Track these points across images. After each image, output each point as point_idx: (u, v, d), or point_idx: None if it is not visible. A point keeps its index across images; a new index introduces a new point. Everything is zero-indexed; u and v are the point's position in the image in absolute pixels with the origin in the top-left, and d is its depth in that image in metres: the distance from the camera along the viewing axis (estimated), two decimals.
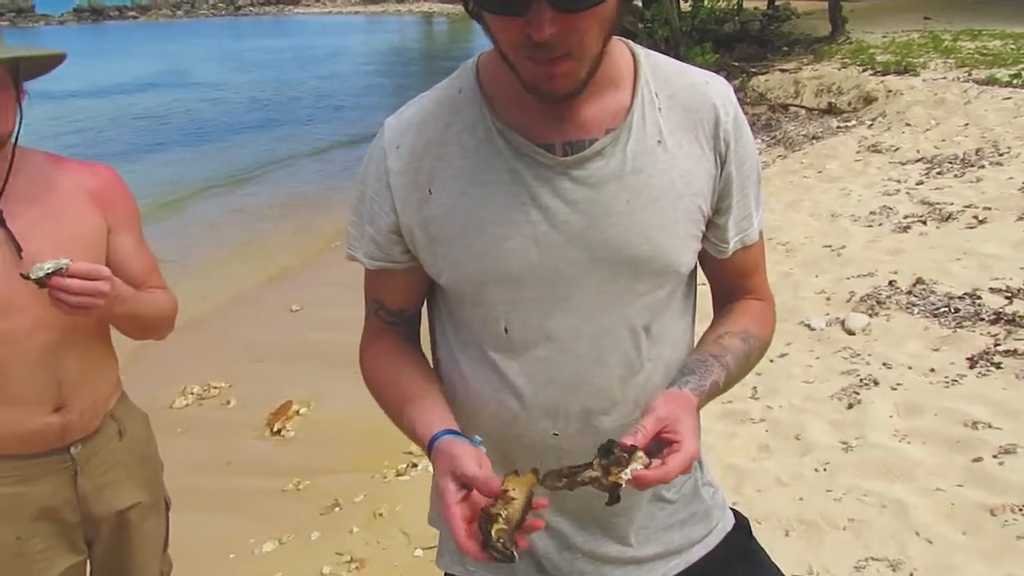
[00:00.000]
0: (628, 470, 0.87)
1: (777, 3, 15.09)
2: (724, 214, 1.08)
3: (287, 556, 2.81)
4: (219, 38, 42.30)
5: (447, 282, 1.06)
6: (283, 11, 61.09)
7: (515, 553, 0.86)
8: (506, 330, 1.04)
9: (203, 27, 53.00)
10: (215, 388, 4.15)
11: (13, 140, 1.40)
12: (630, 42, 1.06)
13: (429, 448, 0.99)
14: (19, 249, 1.38)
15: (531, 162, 0.99)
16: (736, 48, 12.62)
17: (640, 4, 11.54)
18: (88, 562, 1.61)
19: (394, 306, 1.15)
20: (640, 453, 0.89)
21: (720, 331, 1.11)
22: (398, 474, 3.26)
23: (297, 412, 3.88)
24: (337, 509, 3.07)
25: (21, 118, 1.41)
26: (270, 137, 12.85)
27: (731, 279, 1.16)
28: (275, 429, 3.73)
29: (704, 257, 1.12)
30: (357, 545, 2.81)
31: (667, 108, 1.02)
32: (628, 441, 0.89)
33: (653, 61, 1.05)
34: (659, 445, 0.92)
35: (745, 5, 14.63)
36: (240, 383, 4.20)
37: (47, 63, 1.45)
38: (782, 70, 11.04)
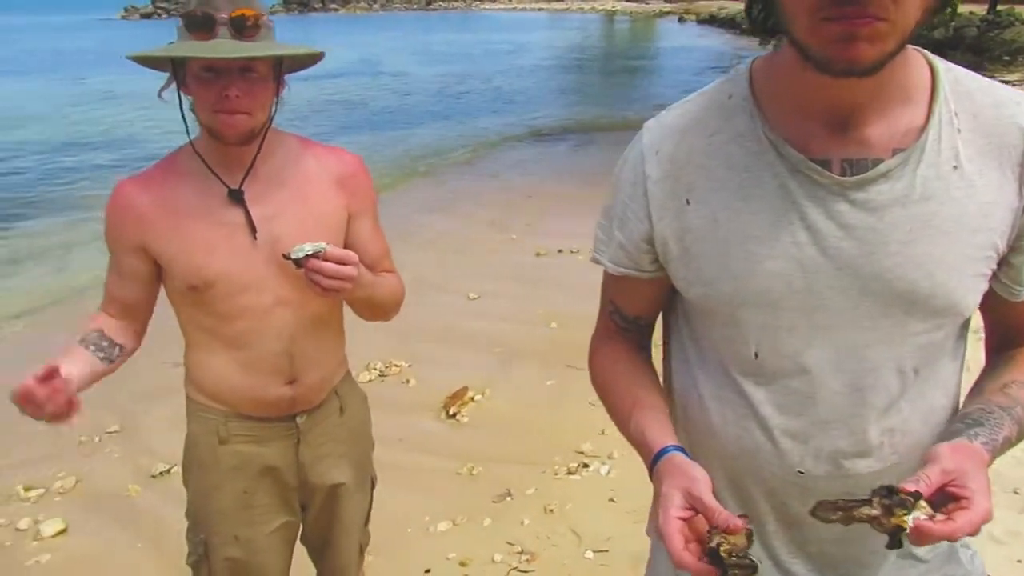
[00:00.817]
0: (912, 515, 0.80)
1: (998, 8, 13.77)
2: (1022, 253, 0.96)
3: (460, 538, 2.88)
4: (410, 30, 44.27)
5: (696, 297, 1.01)
6: (471, 6, 63.08)
7: (755, 560, 0.82)
8: (756, 355, 0.97)
9: (396, 20, 55.72)
10: (396, 367, 4.33)
11: (265, 128, 1.47)
12: (928, 52, 0.96)
13: (657, 457, 0.95)
14: (254, 231, 1.46)
15: (804, 179, 0.91)
16: (948, 56, 11.58)
17: None
18: (301, 525, 1.72)
19: (631, 313, 1.12)
20: (923, 502, 0.81)
21: (1005, 379, 1.00)
22: (569, 472, 3.25)
23: (472, 398, 3.97)
24: (508, 499, 3.11)
25: (277, 108, 1.49)
26: (450, 128, 13.25)
27: (1018, 323, 1.04)
28: (451, 413, 3.84)
29: (987, 296, 0.99)
30: (528, 538, 2.84)
31: (968, 130, 0.92)
32: (910, 487, 0.81)
33: (954, 75, 0.95)
34: (941, 499, 0.83)
35: (960, 9, 13.45)
36: (419, 364, 4.36)
37: (307, 60, 1.53)
38: (1003, 82, 10.05)
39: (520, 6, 63.72)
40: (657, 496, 0.93)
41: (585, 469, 3.26)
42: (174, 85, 1.44)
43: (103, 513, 3.23)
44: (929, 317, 0.94)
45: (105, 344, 1.46)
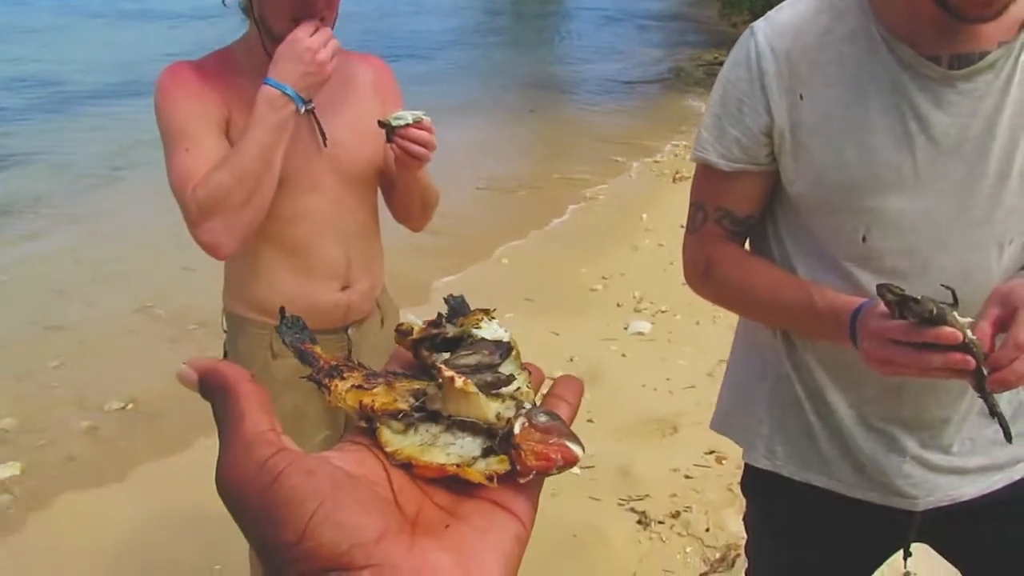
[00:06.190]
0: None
1: None
2: None
3: None
4: None
5: (804, 188, 1.07)
6: None
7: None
8: (864, 239, 1.05)
9: None
10: None
11: None
12: None
13: (858, 310, 0.98)
14: (324, 136, 1.47)
15: (915, 73, 1.00)
16: None
17: None
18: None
19: (742, 212, 1.16)
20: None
21: None
22: None
23: None
24: None
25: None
26: None
27: None
28: None
29: None
30: None
31: None
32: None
33: None
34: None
35: None
36: None
37: None
38: None
39: None
40: (868, 336, 0.95)
41: None
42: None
43: (59, 452, 3.08)
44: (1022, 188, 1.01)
45: None
